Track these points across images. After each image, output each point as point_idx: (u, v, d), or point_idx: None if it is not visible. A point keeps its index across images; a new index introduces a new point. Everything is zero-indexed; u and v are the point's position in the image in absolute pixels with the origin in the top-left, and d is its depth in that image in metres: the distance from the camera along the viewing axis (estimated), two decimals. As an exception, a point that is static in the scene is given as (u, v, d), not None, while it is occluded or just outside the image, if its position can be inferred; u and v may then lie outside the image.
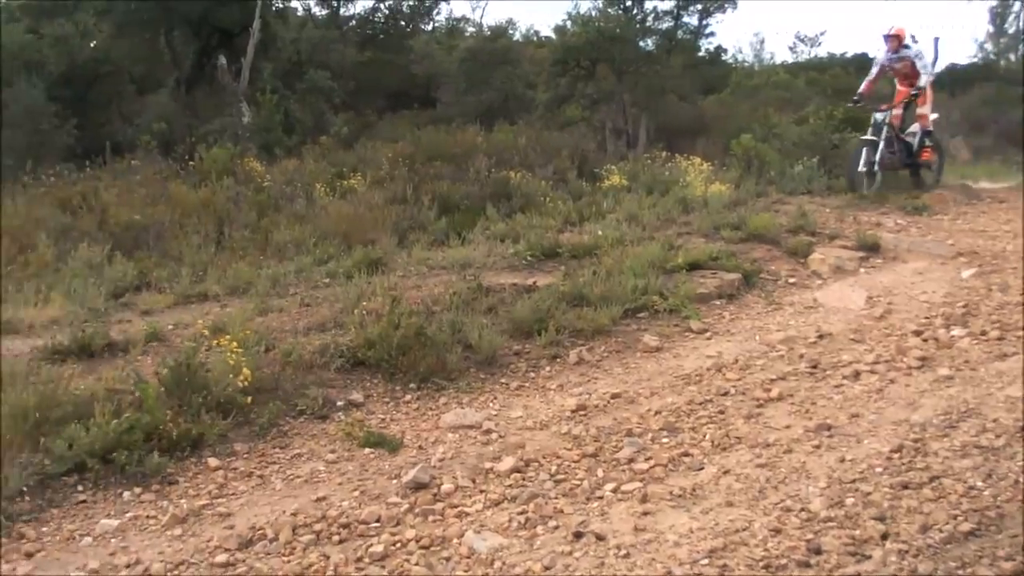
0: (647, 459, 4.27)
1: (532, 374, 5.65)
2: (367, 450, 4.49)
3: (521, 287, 6.93)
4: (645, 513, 3.69)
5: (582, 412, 4.95)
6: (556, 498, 3.90)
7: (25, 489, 3.96)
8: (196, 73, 20.67)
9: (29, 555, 3.54)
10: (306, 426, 4.77)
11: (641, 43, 21.82)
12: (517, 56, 24.82)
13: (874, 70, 11.60)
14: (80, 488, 4.06)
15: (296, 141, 16.41)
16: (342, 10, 27.68)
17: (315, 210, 10.08)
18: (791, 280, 7.68)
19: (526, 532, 3.59)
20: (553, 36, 24.47)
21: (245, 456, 4.42)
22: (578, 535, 3.52)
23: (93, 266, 7.75)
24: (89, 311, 6.52)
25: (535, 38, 33.73)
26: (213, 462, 4.31)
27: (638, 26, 21.82)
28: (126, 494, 4.02)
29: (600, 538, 3.49)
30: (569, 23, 21.72)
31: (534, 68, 24.08)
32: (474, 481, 4.12)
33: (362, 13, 28.31)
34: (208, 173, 11.53)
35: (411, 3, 28.64)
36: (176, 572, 3.42)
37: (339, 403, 5.02)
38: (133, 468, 4.10)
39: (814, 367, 5.46)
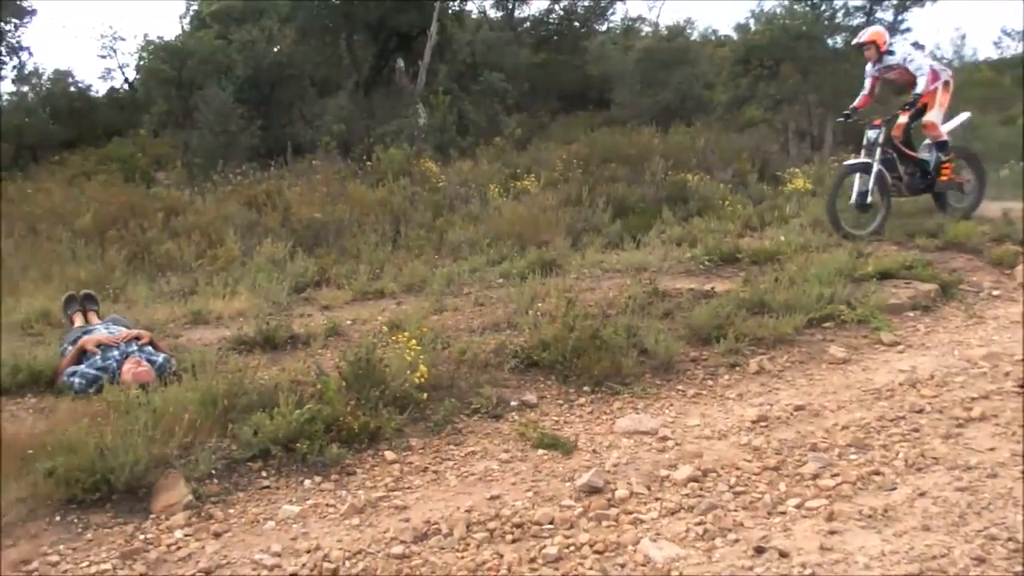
0: (833, 475, 4.11)
1: (710, 382, 5.54)
2: (540, 451, 4.52)
3: (698, 292, 6.84)
4: (832, 532, 3.56)
5: (763, 423, 4.82)
6: (735, 511, 3.81)
7: (214, 472, 4.20)
8: (374, 76, 21.48)
9: (217, 535, 3.75)
10: (480, 424, 4.86)
11: (829, 40, 21.14)
12: (695, 56, 24.53)
13: (867, 82, 9.76)
14: (264, 474, 4.27)
15: (470, 142, 16.78)
16: (517, 12, 28.15)
17: (489, 211, 10.29)
18: (995, 292, 7.22)
19: (704, 543, 3.53)
20: (734, 35, 24.05)
21: (420, 451, 4.54)
22: (759, 550, 3.42)
23: (276, 262, 8.21)
24: (273, 304, 6.89)
25: (714, 37, 33.25)
26: (390, 455, 4.45)
27: (826, 23, 21.14)
28: (307, 482, 4.20)
29: (783, 555, 3.38)
30: (752, 21, 21.31)
31: (713, 68, 23.74)
32: (649, 488, 4.08)
33: (537, 15, 28.72)
34: (385, 173, 12.00)
35: (586, 4, 28.79)
36: (354, 560, 3.53)
37: (513, 403, 5.09)
38: (314, 457, 4.28)
39: (1022, 387, 5.12)
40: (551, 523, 3.75)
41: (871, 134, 9.08)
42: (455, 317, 6.48)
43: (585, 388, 5.33)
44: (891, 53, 9.35)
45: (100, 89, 27.05)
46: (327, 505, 4.00)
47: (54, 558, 3.57)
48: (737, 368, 5.70)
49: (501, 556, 3.50)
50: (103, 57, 34.91)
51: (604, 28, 30.64)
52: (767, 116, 19.05)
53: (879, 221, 8.93)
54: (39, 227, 10.13)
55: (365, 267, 7.96)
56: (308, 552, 3.59)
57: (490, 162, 13.91)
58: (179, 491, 3.99)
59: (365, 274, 7.71)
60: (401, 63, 19.35)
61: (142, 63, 24.78)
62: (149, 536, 3.73)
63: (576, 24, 28.62)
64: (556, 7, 28.26)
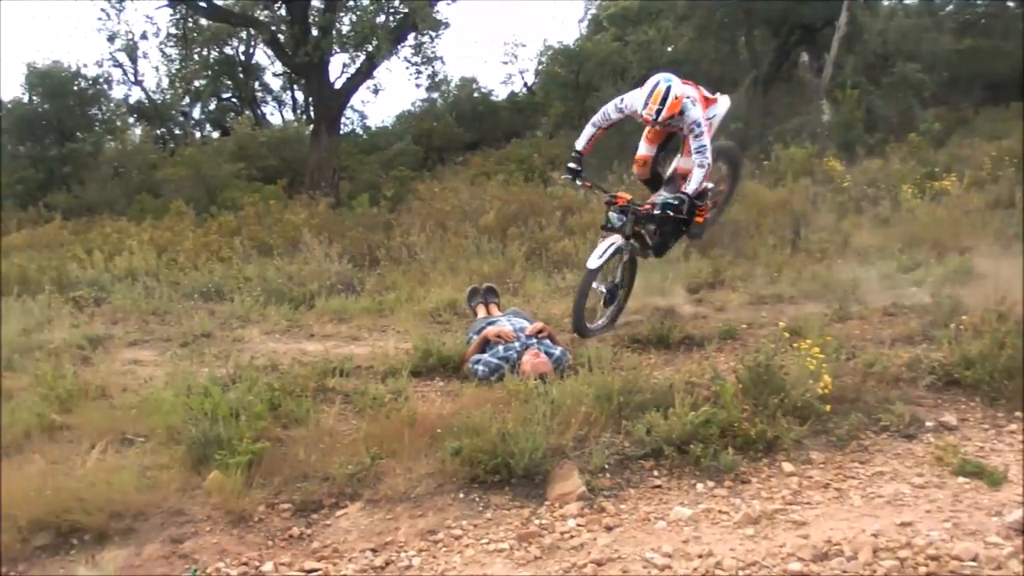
0: None
1: None
2: (961, 479, 4.18)
3: None
4: None
5: None
6: None
7: (607, 467, 4.37)
8: (773, 71, 21.11)
9: (609, 528, 3.90)
10: (889, 443, 4.60)
11: None
12: None
13: (614, 117, 6.81)
14: (656, 473, 4.36)
15: (879, 139, 15.95)
16: (937, -5, 26.26)
17: (901, 213, 9.79)
18: None
19: None
20: None
21: (821, 465, 4.39)
22: None
23: (670, 262, 8.34)
24: (667, 304, 7.02)
25: None
26: (787, 467, 4.35)
27: None
28: (699, 486, 4.23)
29: None
30: None
31: None
32: (1101, 537, 3.62)
33: (962, -3, 26.56)
34: (784, 173, 11.83)
35: (1025, -20, 26.15)
36: (747, 571, 3.50)
37: (928, 423, 4.76)
38: (707, 461, 4.30)
39: None
40: (974, 560, 3.46)
41: (615, 217, 6.70)
42: (861, 326, 6.22)
43: (1017, 414, 4.87)
44: (682, 113, 6.54)
45: (501, 93, 29.05)
46: (720, 511, 4.00)
47: (457, 532, 3.92)
48: None
49: (914, 588, 3.29)
50: (505, 63, 37.61)
51: (1048, 4, 27.59)
52: None
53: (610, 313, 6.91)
54: (447, 223, 11.15)
55: (762, 270, 7.92)
56: (700, 557, 3.61)
57: (902, 160, 13.15)
58: (573, 482, 4.20)
59: (762, 277, 7.66)
60: (805, 57, 18.83)
61: (541, 67, 26.37)
62: (544, 522, 3.96)
63: (1011, 4, 26.06)
64: (986, -13, 25.97)
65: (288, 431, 4.69)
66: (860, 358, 5.38)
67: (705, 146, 6.52)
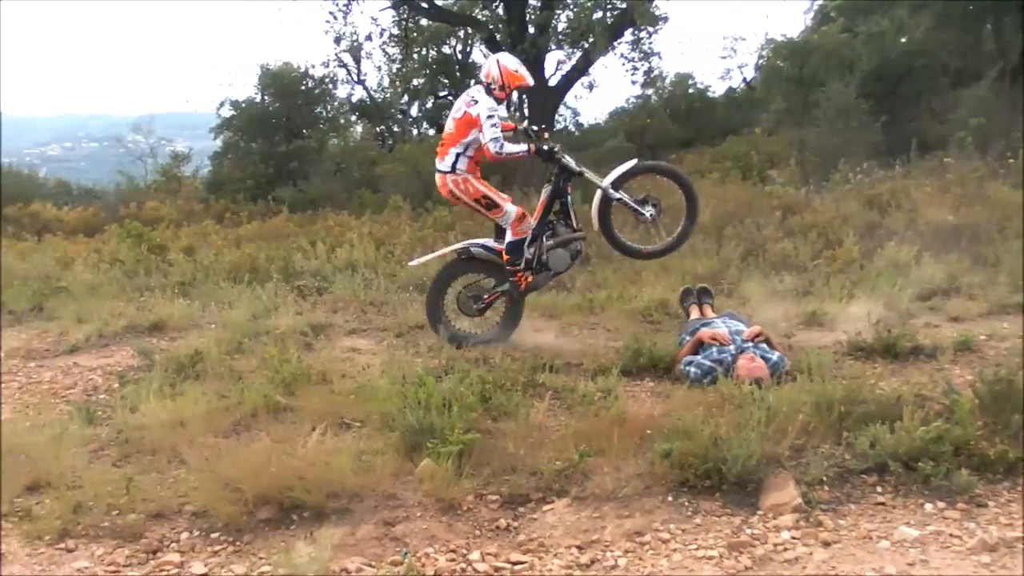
0: None
1: None
2: None
3: None
4: None
5: None
6: None
7: (825, 479, 4.21)
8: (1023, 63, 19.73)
9: (826, 544, 3.75)
10: None
11: None
12: None
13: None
14: (879, 489, 4.17)
15: None
16: None
17: None
18: None
19: None
20: None
21: (1069, 495, 4.08)
22: None
23: (899, 266, 7.99)
24: (894, 311, 6.71)
25: None
26: (1029, 493, 4.06)
27: None
28: (928, 506, 4.01)
29: None
30: None
31: None
32: None
33: None
34: (1033, 173, 11.04)
35: None
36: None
37: None
38: (938, 481, 4.07)
39: None
40: None
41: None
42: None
43: None
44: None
45: (718, 89, 28.54)
46: (951, 535, 3.79)
47: (664, 535, 3.88)
48: None
49: None
50: (723, 58, 36.90)
51: None
52: None
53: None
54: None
55: (1005, 277, 7.43)
56: (926, 582, 3.43)
57: None
58: (789, 492, 4.08)
59: (1005, 285, 7.18)
60: (1064, 46, 17.49)
61: (762, 62, 25.70)
62: (756, 532, 3.87)
63: None
64: None
65: (498, 424, 4.80)
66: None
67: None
